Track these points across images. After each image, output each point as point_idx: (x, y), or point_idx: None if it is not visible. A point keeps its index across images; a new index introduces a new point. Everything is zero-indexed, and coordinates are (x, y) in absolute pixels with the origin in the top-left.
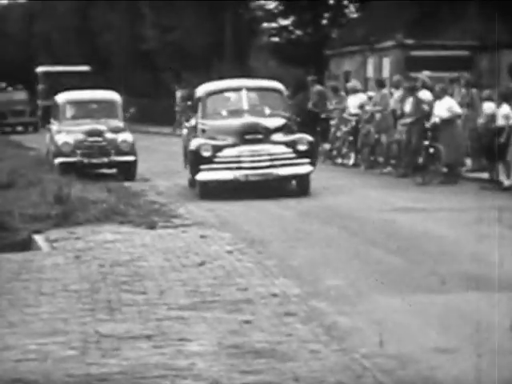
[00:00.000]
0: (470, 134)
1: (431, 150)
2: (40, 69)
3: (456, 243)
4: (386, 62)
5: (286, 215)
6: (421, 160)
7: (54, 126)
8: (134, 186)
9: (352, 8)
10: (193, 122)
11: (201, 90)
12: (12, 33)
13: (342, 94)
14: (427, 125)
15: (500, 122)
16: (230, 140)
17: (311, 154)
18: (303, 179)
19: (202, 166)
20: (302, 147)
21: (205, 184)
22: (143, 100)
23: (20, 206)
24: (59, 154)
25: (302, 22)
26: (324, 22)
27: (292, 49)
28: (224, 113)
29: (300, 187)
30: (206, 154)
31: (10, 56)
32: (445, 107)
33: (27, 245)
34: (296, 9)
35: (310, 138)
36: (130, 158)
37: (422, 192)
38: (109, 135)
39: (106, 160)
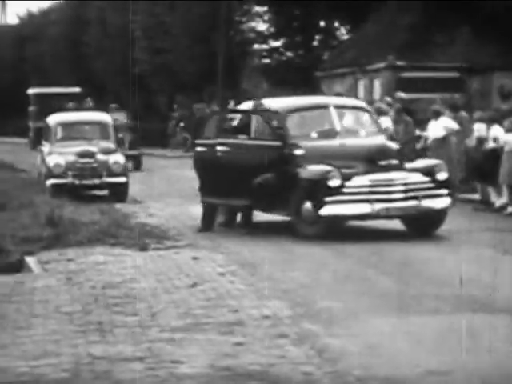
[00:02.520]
0: (462, 156)
1: None
2: (31, 90)
3: (448, 265)
4: (377, 84)
5: (275, 237)
6: None
7: (46, 147)
8: (126, 208)
9: (343, 30)
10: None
11: (276, 107)
12: (3, 56)
13: None
14: (417, 146)
15: (490, 143)
16: (359, 166)
17: (450, 184)
18: (440, 214)
19: (328, 198)
20: (441, 176)
21: (330, 220)
22: (135, 122)
23: (11, 228)
24: (51, 175)
25: (293, 44)
26: (315, 44)
27: (283, 71)
28: (314, 134)
29: (430, 225)
30: (335, 183)
31: (1, 78)
32: (441, 126)
33: (19, 267)
34: (287, 31)
35: (446, 164)
36: (122, 180)
37: None
38: (100, 156)
39: (97, 181)
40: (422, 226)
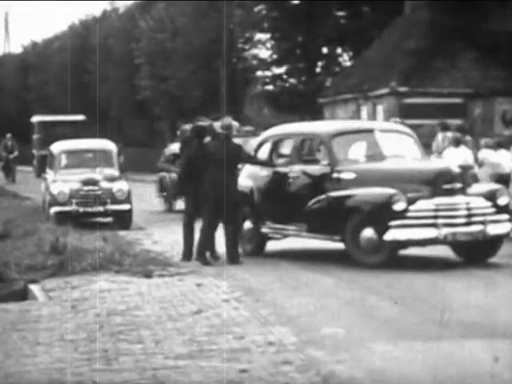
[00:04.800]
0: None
1: None
2: (35, 118)
3: (455, 291)
4: (380, 110)
5: (281, 264)
6: None
7: (50, 175)
8: (130, 235)
9: (346, 56)
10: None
11: (318, 130)
12: (7, 84)
13: None
14: None
15: (497, 169)
16: (423, 190)
17: (509, 209)
18: (499, 240)
19: (393, 223)
20: (502, 201)
21: (393, 247)
22: (139, 149)
23: (16, 257)
24: (55, 203)
25: (296, 71)
26: (318, 70)
27: (286, 97)
28: (362, 158)
29: (488, 251)
30: (400, 207)
31: (4, 107)
32: (461, 156)
33: (23, 295)
34: (290, 57)
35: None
36: (126, 207)
37: None
38: (104, 184)
39: (101, 209)
40: (479, 253)
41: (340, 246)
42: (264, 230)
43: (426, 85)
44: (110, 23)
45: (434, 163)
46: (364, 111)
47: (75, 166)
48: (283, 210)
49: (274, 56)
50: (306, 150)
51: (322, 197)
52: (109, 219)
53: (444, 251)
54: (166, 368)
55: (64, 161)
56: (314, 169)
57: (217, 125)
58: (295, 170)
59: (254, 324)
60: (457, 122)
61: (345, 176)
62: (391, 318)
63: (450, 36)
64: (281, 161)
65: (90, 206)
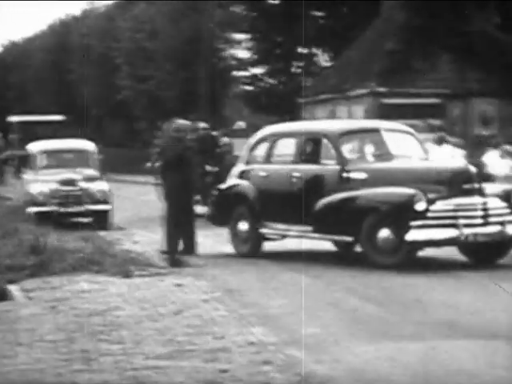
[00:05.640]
0: None
1: None
2: (13, 118)
3: (430, 291)
4: (359, 110)
5: (262, 264)
6: None
7: (28, 175)
8: (110, 235)
9: (326, 57)
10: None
11: (325, 129)
12: None
13: None
14: None
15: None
16: (441, 190)
17: None
18: (510, 242)
19: (414, 223)
20: None
21: (412, 247)
22: (119, 149)
23: None
24: (34, 203)
25: (275, 71)
26: (297, 70)
27: (265, 97)
28: (370, 158)
29: (498, 253)
30: (421, 207)
31: None
32: (446, 155)
33: (3, 295)
34: (269, 58)
35: None
36: (105, 207)
37: None
38: (83, 184)
39: (80, 209)
40: (489, 254)
41: (332, 247)
42: (263, 230)
43: (405, 85)
44: (90, 23)
45: (450, 163)
46: (343, 111)
47: (54, 167)
48: (286, 211)
49: (253, 56)
50: (310, 149)
51: (332, 197)
52: (88, 219)
53: (449, 252)
54: (147, 368)
55: (43, 161)
56: (321, 168)
57: (170, 127)
58: (299, 169)
59: (234, 324)
60: (436, 122)
61: (355, 176)
62: (372, 319)
63: (428, 37)
64: (281, 160)
65: (70, 206)
